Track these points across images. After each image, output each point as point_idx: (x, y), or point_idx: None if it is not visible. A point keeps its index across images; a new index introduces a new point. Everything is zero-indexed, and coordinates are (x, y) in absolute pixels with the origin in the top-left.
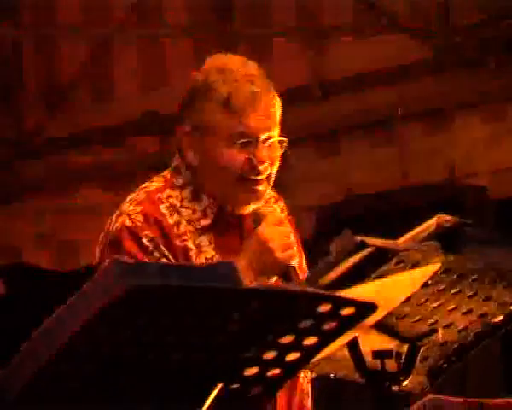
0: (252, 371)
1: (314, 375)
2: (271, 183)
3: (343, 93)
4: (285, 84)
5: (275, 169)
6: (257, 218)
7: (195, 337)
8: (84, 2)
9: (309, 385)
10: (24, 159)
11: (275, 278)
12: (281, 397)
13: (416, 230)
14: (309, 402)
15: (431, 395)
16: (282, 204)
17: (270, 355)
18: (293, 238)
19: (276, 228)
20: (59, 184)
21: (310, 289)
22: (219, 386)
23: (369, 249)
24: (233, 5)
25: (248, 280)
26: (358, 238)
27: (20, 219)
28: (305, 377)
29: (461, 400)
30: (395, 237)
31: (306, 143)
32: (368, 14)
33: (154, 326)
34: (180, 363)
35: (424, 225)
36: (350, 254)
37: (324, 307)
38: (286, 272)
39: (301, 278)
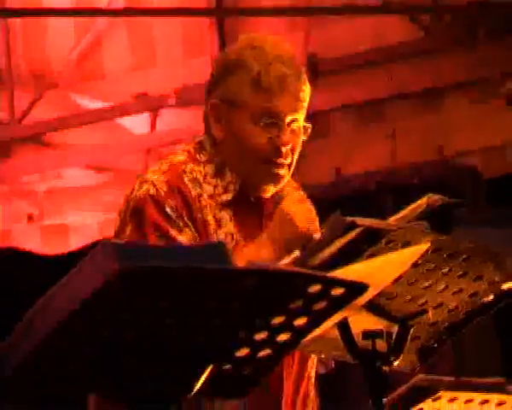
0: (243, 351)
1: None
2: (292, 170)
3: (333, 73)
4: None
5: (296, 156)
6: (278, 197)
7: (186, 317)
8: None
9: (314, 370)
10: (14, 141)
11: (297, 252)
12: (288, 384)
13: (406, 209)
14: (313, 389)
15: (421, 375)
16: (307, 205)
17: (261, 336)
18: (314, 214)
19: (299, 204)
20: (49, 165)
21: (300, 270)
22: (211, 367)
23: (360, 229)
24: None
25: (268, 253)
26: (348, 219)
27: (10, 202)
28: (312, 363)
29: (451, 379)
30: (385, 217)
31: None
32: None
33: (146, 305)
34: (172, 342)
35: (414, 205)
36: (340, 234)
37: (315, 288)
38: (307, 246)
39: None
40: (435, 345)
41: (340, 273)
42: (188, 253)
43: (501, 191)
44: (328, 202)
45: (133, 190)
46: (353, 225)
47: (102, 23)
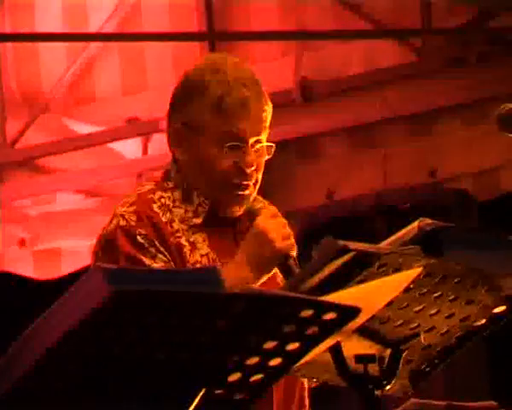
0: (235, 376)
1: None
2: (257, 188)
3: (325, 97)
4: (266, 87)
5: (260, 175)
6: (251, 214)
7: (179, 342)
8: (64, 9)
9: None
10: (6, 165)
11: (274, 270)
12: (277, 396)
13: (398, 234)
14: (307, 401)
15: (413, 399)
16: (282, 219)
17: (253, 361)
18: (289, 229)
19: (273, 220)
20: (41, 190)
21: (292, 294)
22: (203, 391)
23: (352, 254)
24: (212, 9)
25: (247, 273)
26: (340, 243)
27: (2, 226)
28: (302, 386)
29: (443, 403)
30: (377, 240)
31: (288, 147)
32: (350, 18)
33: (138, 331)
34: (163, 367)
35: (406, 229)
36: (332, 258)
37: (306, 312)
38: (285, 263)
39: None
40: (428, 369)
41: (332, 298)
42: (181, 277)
43: (493, 214)
44: (320, 225)
45: (105, 226)
46: (345, 250)
47: (94, 47)
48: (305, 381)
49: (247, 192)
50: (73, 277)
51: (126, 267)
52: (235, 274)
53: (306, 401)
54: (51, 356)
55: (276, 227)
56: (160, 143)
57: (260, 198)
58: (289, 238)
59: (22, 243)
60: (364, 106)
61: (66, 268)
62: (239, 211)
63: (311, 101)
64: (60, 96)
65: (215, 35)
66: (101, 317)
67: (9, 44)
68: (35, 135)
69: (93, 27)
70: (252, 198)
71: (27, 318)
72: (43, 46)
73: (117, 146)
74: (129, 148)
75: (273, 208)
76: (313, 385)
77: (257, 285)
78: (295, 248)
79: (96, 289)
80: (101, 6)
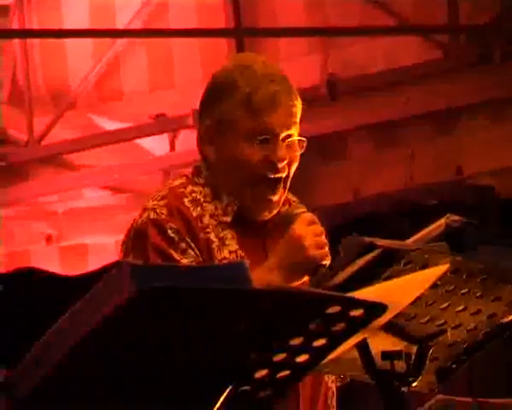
0: (262, 373)
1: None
2: (288, 186)
3: (350, 95)
4: (293, 85)
5: (293, 170)
6: (289, 218)
7: (205, 338)
8: (91, 5)
9: (334, 384)
10: (33, 161)
11: (306, 278)
12: (304, 393)
13: (425, 230)
14: (334, 401)
15: (440, 396)
16: (318, 227)
17: (279, 357)
18: (325, 238)
19: (310, 227)
20: (68, 186)
21: (319, 291)
22: (230, 388)
23: (378, 251)
24: (239, 5)
25: (278, 277)
26: (367, 240)
27: (29, 222)
28: (328, 384)
29: (470, 400)
30: (403, 238)
31: (314, 144)
32: (376, 15)
33: (164, 326)
34: (190, 364)
35: (433, 226)
36: (358, 255)
37: (333, 309)
38: (317, 272)
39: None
40: (454, 366)
41: (359, 294)
42: (207, 273)
43: None
44: (346, 223)
45: (135, 219)
46: (372, 247)
47: (121, 44)
48: (330, 381)
49: (275, 198)
50: (100, 273)
51: (152, 264)
52: (265, 277)
53: (331, 401)
54: (75, 354)
55: (311, 235)
56: (187, 140)
57: (300, 204)
58: (324, 247)
59: (49, 239)
60: (390, 104)
61: (92, 264)
62: (267, 215)
63: (337, 98)
64: (86, 92)
65: (242, 32)
66: (127, 314)
67: (36, 41)
68: (62, 131)
69: (120, 24)
70: (281, 202)
71: (54, 314)
72: (69, 43)
73: (144, 143)
74: (156, 144)
75: (311, 215)
76: (337, 384)
77: None
78: (329, 258)
79: (123, 286)
80: (128, 3)
